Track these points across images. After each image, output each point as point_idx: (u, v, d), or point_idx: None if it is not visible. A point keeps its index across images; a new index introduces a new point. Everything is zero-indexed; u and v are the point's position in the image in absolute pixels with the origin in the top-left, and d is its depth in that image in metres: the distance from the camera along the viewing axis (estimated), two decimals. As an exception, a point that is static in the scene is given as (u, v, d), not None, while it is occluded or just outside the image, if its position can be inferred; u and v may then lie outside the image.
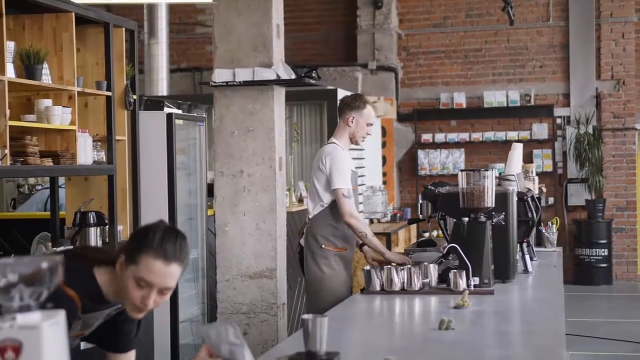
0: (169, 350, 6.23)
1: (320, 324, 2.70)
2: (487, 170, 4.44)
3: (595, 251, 12.28)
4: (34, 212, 7.21)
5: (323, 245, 5.20)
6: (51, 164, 4.97)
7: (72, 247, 4.99)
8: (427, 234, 12.15)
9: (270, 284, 5.71)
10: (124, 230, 5.85)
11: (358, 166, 10.14)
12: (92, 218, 5.42)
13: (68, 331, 2.58)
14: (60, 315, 1.79)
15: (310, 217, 5.29)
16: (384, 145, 12.39)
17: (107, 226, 5.57)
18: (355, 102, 5.34)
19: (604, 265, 12.31)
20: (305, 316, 2.71)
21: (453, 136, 12.91)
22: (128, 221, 5.92)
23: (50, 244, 5.45)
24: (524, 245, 5.10)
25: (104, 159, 5.59)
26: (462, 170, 4.47)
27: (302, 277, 7.52)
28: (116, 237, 5.64)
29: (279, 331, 5.69)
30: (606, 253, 12.30)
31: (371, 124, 5.38)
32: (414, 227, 11.36)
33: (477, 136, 12.83)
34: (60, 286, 2.47)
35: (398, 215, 11.17)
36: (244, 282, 5.68)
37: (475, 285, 4.27)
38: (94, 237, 5.42)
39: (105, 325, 2.80)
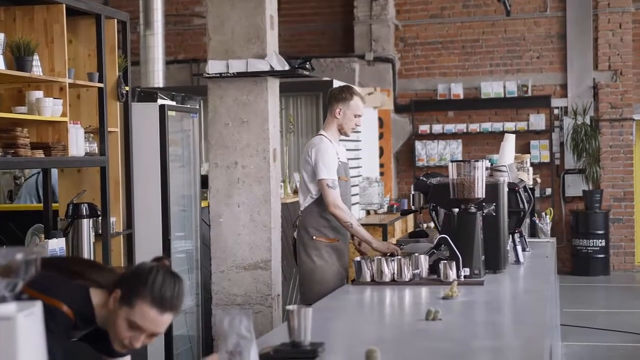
0: (162, 342, 6.23)
1: (304, 315, 2.71)
2: (478, 161, 4.44)
3: (593, 242, 12.29)
4: (29, 204, 7.21)
5: (314, 237, 5.25)
6: (42, 155, 4.97)
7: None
8: (424, 225, 12.16)
9: (265, 275, 5.72)
10: (117, 222, 5.86)
11: (354, 157, 10.16)
12: (84, 210, 5.42)
13: (60, 342, 2.57)
14: (37, 306, 1.80)
15: (301, 209, 5.34)
16: (381, 136, 12.39)
17: (99, 218, 5.57)
18: (342, 93, 5.36)
19: (601, 256, 12.32)
20: (290, 307, 2.72)
21: (450, 127, 12.90)
22: (121, 213, 5.92)
23: (43, 235, 5.45)
24: (516, 236, 5.10)
25: (97, 151, 5.59)
26: (452, 161, 4.48)
27: (297, 268, 7.54)
28: (109, 229, 5.64)
29: (274, 322, 5.70)
30: (603, 244, 12.30)
31: (359, 115, 5.38)
32: (410, 218, 11.37)
33: (474, 127, 12.82)
34: (58, 303, 2.54)
35: (395, 206, 11.17)
36: (239, 273, 5.69)
37: (465, 276, 4.27)
38: (87, 228, 5.42)
39: (99, 328, 2.80)
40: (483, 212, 4.48)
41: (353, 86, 5.74)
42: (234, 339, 2.57)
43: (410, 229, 10.99)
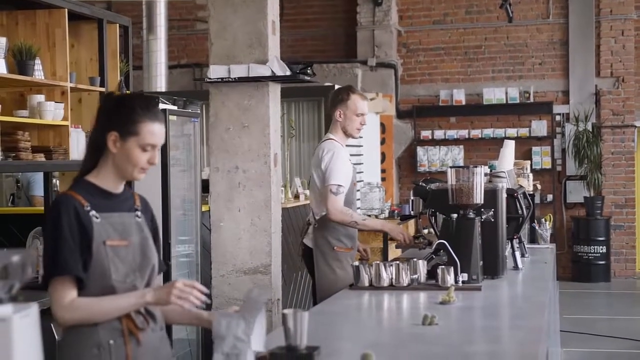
0: (162, 345, 6.23)
1: (300, 319, 2.73)
2: (476, 167, 4.45)
3: (594, 248, 12.29)
4: (30, 208, 7.22)
5: (335, 247, 5.17)
6: (43, 159, 4.99)
7: None
8: (425, 231, 12.16)
9: (265, 280, 5.73)
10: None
11: (356, 162, 10.17)
12: (85, 213, 5.43)
13: (91, 233, 2.80)
14: (32, 308, 1.82)
15: (317, 217, 5.22)
16: (383, 142, 12.41)
17: (100, 221, 5.58)
18: (339, 95, 5.31)
19: (602, 262, 12.32)
20: (286, 311, 2.73)
21: (452, 133, 12.92)
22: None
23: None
24: (515, 241, 5.11)
25: (98, 155, 5.61)
26: (451, 167, 4.48)
27: (297, 273, 7.55)
28: (109, 233, 5.65)
29: (274, 326, 5.70)
30: (604, 250, 12.31)
31: (361, 114, 5.29)
32: (412, 223, 11.37)
33: (476, 133, 12.84)
34: (65, 192, 2.85)
35: (396, 211, 11.17)
36: (239, 277, 5.70)
37: (463, 282, 4.27)
38: (88, 232, 5.43)
39: None
40: (481, 218, 4.48)
41: (352, 86, 5.65)
42: (230, 341, 2.60)
43: (412, 234, 10.99)
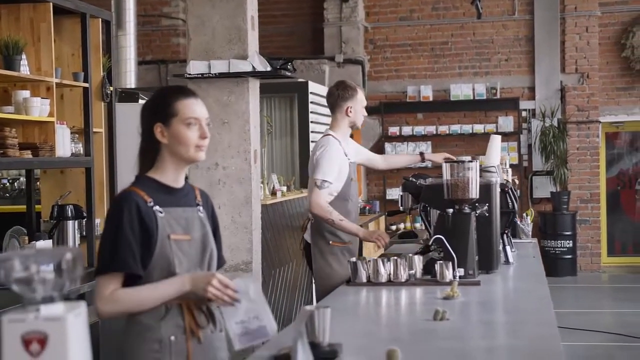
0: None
1: (323, 315, 2.71)
2: (471, 161, 4.46)
3: (560, 243, 12.42)
4: (6, 206, 7.09)
5: (331, 242, 5.18)
6: (30, 156, 4.89)
7: None
8: (393, 227, 12.21)
9: (246, 277, 5.69)
10: (101, 223, 5.78)
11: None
12: (69, 211, 5.35)
13: (153, 228, 2.82)
14: (83, 307, 1.78)
15: (314, 212, 5.17)
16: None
17: (84, 219, 5.51)
18: (348, 91, 5.33)
19: (569, 256, 12.46)
20: (309, 307, 2.71)
21: (420, 129, 12.96)
22: (105, 214, 5.85)
23: (26, 237, 5.37)
24: (505, 236, 5.13)
25: (82, 151, 5.53)
26: (446, 162, 4.48)
27: (275, 270, 7.51)
28: (94, 231, 5.58)
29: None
30: (571, 244, 12.44)
31: (365, 105, 5.46)
32: (382, 219, 11.42)
33: (443, 129, 12.90)
34: (129, 189, 2.88)
35: (367, 208, 11.21)
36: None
37: (460, 277, 4.28)
38: (72, 230, 5.35)
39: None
40: (476, 213, 4.49)
41: (345, 80, 5.61)
42: (244, 305, 2.62)
43: (383, 230, 11.03)
